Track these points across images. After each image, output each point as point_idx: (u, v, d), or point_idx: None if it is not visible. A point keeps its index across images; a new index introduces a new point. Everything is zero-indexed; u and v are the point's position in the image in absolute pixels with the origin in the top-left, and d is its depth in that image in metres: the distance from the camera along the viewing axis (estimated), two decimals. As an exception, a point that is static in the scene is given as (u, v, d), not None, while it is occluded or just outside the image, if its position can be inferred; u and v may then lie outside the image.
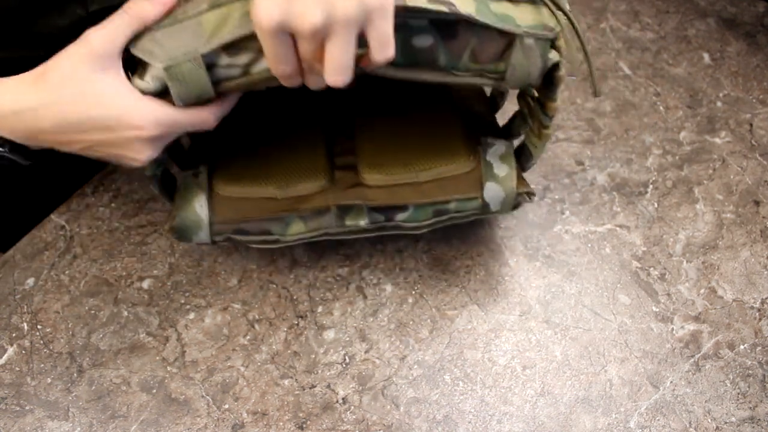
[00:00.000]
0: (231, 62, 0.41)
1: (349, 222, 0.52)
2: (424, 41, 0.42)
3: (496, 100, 0.61)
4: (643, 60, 0.74)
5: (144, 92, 0.41)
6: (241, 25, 0.39)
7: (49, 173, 0.66)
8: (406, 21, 0.41)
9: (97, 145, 0.42)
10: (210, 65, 0.41)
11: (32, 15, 0.52)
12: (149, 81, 0.41)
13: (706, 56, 0.75)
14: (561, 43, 0.43)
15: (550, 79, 0.46)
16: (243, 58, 0.41)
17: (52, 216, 0.63)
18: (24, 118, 0.40)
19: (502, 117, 0.68)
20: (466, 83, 0.45)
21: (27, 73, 0.41)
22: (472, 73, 0.44)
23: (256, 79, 0.42)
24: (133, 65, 0.42)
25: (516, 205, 0.55)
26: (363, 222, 0.52)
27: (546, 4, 0.42)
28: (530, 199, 0.54)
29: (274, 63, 0.38)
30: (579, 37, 0.44)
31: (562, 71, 0.44)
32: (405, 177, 0.52)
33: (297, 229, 0.53)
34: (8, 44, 0.50)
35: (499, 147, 0.53)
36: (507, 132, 0.57)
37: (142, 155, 0.43)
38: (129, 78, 0.41)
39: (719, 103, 0.71)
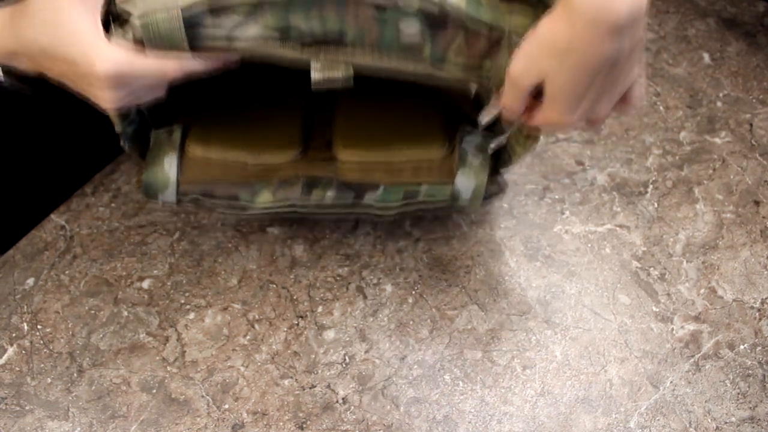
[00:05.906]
0: (215, 23, 0.42)
1: (315, 195, 0.52)
2: (411, 28, 0.41)
3: (480, 99, 0.60)
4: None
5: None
6: None
7: (49, 173, 0.66)
8: (396, 4, 0.40)
9: (68, 76, 0.44)
10: (194, 24, 0.42)
11: None
12: (128, 30, 0.42)
13: (706, 56, 0.75)
14: None
15: None
16: (228, 21, 0.42)
17: (52, 216, 0.63)
18: (6, 38, 0.43)
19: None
20: (451, 78, 0.45)
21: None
22: (458, 67, 0.44)
23: (242, 45, 0.42)
24: (118, 18, 0.43)
25: (487, 197, 0.54)
26: (329, 193, 0.52)
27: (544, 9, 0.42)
28: (501, 192, 0.55)
29: (510, 103, 0.43)
30: None
31: None
32: (379, 156, 0.52)
33: (265, 199, 0.53)
34: None
35: (475, 137, 0.53)
36: (490, 128, 0.57)
37: (103, 96, 0.44)
38: (110, 26, 0.42)
39: (719, 103, 0.71)
